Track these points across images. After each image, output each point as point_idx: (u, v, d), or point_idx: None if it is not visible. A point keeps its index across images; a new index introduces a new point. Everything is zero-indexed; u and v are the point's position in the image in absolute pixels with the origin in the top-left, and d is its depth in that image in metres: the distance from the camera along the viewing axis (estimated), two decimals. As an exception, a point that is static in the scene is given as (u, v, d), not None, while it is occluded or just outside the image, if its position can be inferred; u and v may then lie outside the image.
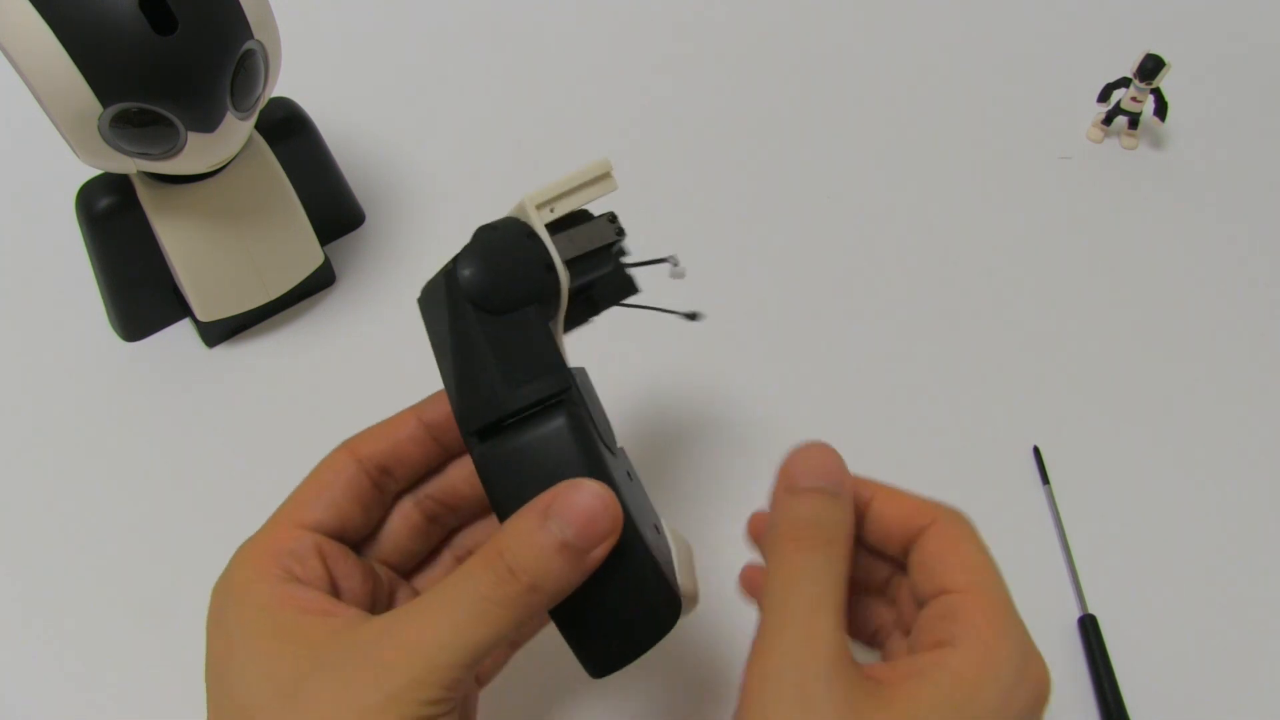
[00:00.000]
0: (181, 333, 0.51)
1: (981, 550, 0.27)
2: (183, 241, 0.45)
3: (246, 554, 0.28)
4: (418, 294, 0.31)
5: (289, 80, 0.46)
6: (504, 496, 0.27)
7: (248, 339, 0.51)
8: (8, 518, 0.45)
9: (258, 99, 0.42)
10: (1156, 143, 0.61)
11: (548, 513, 0.25)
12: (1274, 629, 0.42)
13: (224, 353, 0.50)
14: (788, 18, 0.68)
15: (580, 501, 0.25)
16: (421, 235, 0.55)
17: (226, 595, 0.27)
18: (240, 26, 0.39)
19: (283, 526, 0.28)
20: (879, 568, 0.30)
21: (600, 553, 0.26)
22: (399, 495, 0.31)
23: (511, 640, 0.32)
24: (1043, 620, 0.42)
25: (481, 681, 0.33)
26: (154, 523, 0.45)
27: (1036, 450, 0.47)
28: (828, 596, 0.25)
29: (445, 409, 0.30)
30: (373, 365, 0.50)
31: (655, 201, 0.56)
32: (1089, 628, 0.41)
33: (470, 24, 0.68)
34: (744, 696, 0.24)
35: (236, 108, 0.41)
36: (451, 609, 0.25)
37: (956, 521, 0.28)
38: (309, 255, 0.49)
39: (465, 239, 0.30)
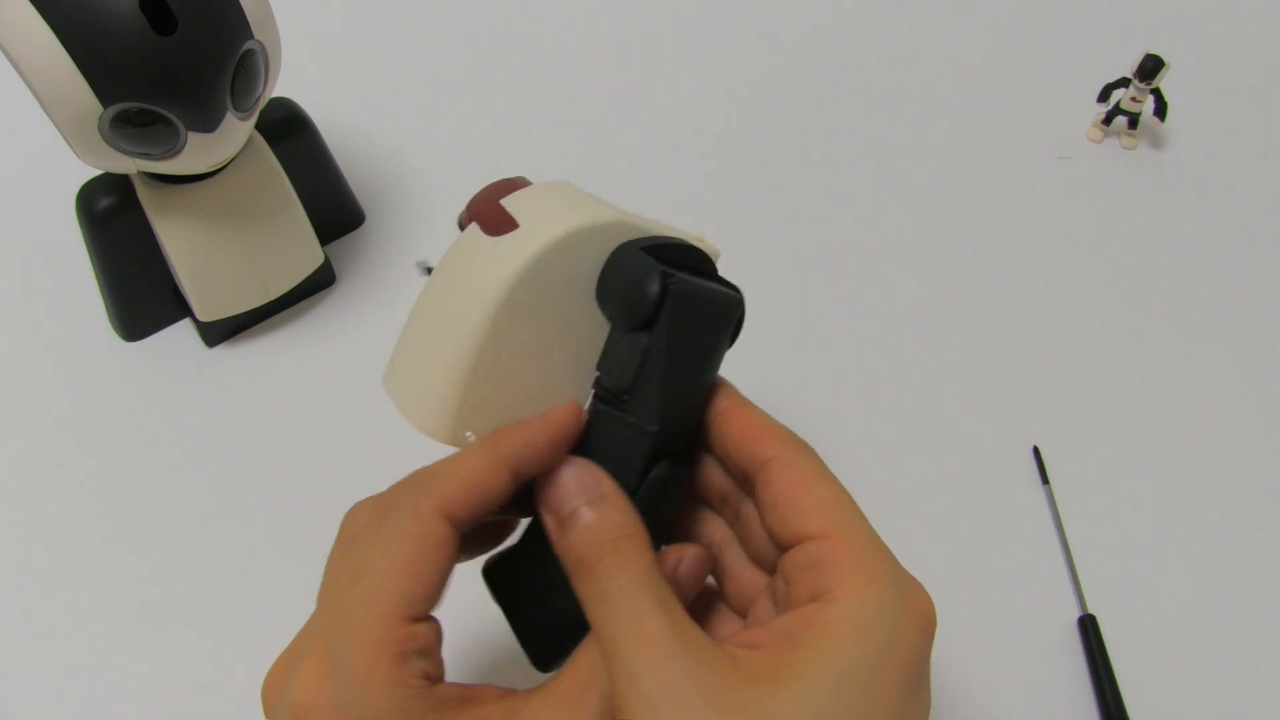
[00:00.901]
0: (181, 333, 0.51)
1: (834, 486, 0.26)
2: (183, 241, 0.45)
3: (369, 672, 0.24)
4: (681, 294, 0.28)
5: (289, 80, 0.46)
6: (667, 521, 0.30)
7: (248, 339, 0.51)
8: (7, 518, 0.45)
9: (258, 99, 0.42)
10: (1156, 143, 0.61)
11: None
12: (1274, 629, 0.42)
13: (224, 353, 0.50)
14: (786, 16, 0.68)
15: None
16: (421, 235, 0.55)
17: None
18: (240, 26, 0.40)
19: (396, 621, 0.24)
20: (721, 480, 0.29)
21: None
22: None
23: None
24: (1043, 620, 0.42)
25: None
26: (154, 523, 0.44)
27: (1036, 450, 0.47)
28: (646, 602, 0.24)
29: (533, 454, 0.27)
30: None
31: (654, 203, 0.55)
32: (1089, 628, 0.41)
33: (470, 24, 0.68)
34: None
35: (236, 108, 0.41)
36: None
37: (802, 456, 0.27)
38: (309, 255, 0.49)
39: None
